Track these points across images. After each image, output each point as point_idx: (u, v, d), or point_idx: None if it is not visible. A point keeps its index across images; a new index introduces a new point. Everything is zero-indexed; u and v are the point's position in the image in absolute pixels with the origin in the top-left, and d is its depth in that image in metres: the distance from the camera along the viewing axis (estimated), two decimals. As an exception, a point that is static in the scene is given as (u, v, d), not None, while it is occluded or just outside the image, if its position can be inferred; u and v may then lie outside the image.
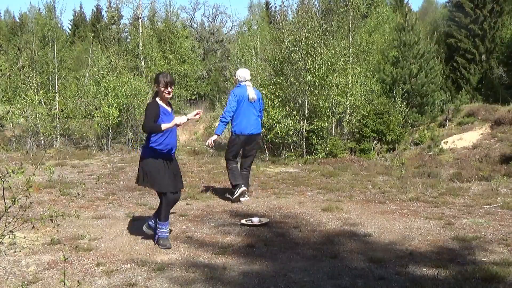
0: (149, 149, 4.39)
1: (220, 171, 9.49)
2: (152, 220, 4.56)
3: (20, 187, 2.97)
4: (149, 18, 30.93)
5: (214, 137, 6.49)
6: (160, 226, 4.45)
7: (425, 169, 11.66)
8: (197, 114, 4.44)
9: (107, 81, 14.41)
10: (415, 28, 17.92)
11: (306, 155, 12.35)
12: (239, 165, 6.61)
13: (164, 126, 4.30)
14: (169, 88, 4.38)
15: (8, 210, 2.90)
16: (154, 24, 29.93)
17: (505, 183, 7.82)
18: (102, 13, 40.29)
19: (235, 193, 6.33)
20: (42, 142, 13.68)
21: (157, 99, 4.44)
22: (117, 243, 4.51)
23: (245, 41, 17.38)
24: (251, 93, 6.42)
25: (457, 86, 23.62)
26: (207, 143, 6.60)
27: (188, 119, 4.48)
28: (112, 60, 15.84)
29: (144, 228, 4.60)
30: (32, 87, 13.93)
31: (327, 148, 12.28)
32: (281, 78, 12.79)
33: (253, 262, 3.99)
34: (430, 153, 14.45)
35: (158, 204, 4.60)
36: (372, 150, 13.56)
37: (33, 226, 3.19)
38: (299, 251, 4.30)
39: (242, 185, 6.38)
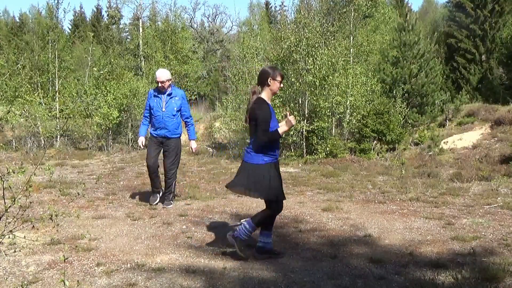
0: (263, 155, 3.71)
1: (220, 171, 9.50)
2: (266, 240, 4.05)
3: (20, 187, 2.97)
4: (150, 19, 30.93)
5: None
6: (260, 235, 4.07)
7: (425, 169, 11.63)
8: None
9: (109, 84, 14.38)
10: (415, 28, 17.89)
11: (306, 155, 12.35)
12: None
13: (281, 130, 3.64)
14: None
15: (8, 210, 2.90)
16: (155, 25, 29.93)
17: (505, 183, 7.82)
18: (102, 13, 40.34)
19: (171, 200, 6.21)
20: (42, 142, 13.68)
21: (265, 97, 3.71)
22: (117, 243, 4.50)
23: (247, 43, 17.33)
24: None
25: (457, 86, 23.59)
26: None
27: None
28: (113, 61, 15.80)
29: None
30: (32, 88, 13.90)
31: (327, 148, 12.26)
32: (281, 78, 12.77)
33: (253, 262, 3.99)
34: (430, 153, 14.43)
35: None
36: (372, 150, 13.53)
37: (33, 226, 3.19)
38: (299, 251, 4.30)
39: None
